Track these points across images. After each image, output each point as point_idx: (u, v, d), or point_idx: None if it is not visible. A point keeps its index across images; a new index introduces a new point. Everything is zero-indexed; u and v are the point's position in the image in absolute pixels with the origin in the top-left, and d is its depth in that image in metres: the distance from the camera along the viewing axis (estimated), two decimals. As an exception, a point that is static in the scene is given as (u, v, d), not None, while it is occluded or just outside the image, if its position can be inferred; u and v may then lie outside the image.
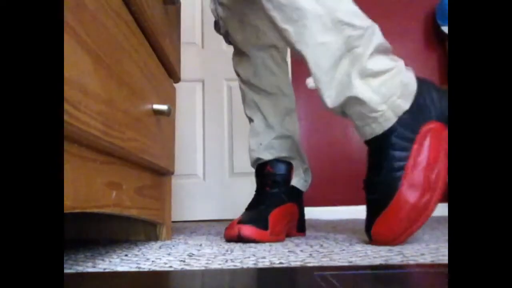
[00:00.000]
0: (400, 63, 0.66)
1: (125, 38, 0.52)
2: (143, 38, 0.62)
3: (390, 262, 0.46)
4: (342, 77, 0.64)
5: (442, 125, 0.62)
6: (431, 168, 0.60)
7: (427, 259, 0.48)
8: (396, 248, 0.58)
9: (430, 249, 0.57)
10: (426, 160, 0.60)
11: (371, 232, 0.63)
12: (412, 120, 0.62)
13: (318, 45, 0.64)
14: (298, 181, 0.89)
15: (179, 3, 0.89)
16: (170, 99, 0.81)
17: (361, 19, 0.65)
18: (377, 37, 0.65)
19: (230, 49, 0.99)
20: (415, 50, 1.98)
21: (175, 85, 0.86)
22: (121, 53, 0.51)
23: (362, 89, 0.63)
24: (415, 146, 0.61)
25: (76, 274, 0.43)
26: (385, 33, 0.67)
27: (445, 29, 1.89)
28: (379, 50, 0.64)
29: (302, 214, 0.88)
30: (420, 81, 0.66)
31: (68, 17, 0.36)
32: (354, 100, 0.64)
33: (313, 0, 0.64)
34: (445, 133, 0.62)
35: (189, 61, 1.80)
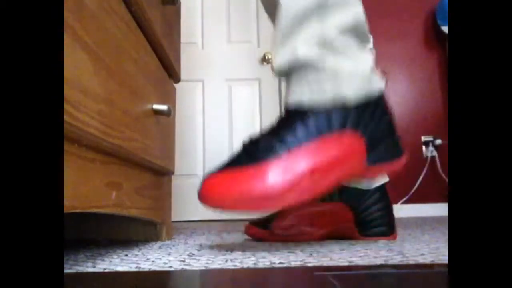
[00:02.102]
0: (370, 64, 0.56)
1: (125, 38, 0.52)
2: (143, 38, 0.62)
3: (390, 262, 0.46)
4: (303, 38, 0.54)
5: (362, 142, 0.53)
6: (317, 171, 0.50)
7: (427, 259, 0.48)
8: (396, 248, 0.58)
9: (430, 249, 0.57)
10: (319, 163, 0.50)
11: (206, 180, 0.52)
12: (342, 116, 0.52)
13: None
14: None
15: (179, 3, 0.89)
16: (170, 99, 0.81)
17: None
18: (358, 15, 0.55)
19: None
20: (415, 50, 1.98)
21: (175, 85, 0.86)
22: (121, 53, 0.51)
23: (318, 58, 0.54)
24: (321, 141, 0.51)
25: (76, 274, 0.43)
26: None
27: (445, 29, 1.89)
28: (352, 29, 0.55)
29: None
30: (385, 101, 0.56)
31: (68, 17, 0.36)
32: (305, 65, 0.54)
33: None
34: (359, 148, 0.53)
35: (189, 61, 1.80)
